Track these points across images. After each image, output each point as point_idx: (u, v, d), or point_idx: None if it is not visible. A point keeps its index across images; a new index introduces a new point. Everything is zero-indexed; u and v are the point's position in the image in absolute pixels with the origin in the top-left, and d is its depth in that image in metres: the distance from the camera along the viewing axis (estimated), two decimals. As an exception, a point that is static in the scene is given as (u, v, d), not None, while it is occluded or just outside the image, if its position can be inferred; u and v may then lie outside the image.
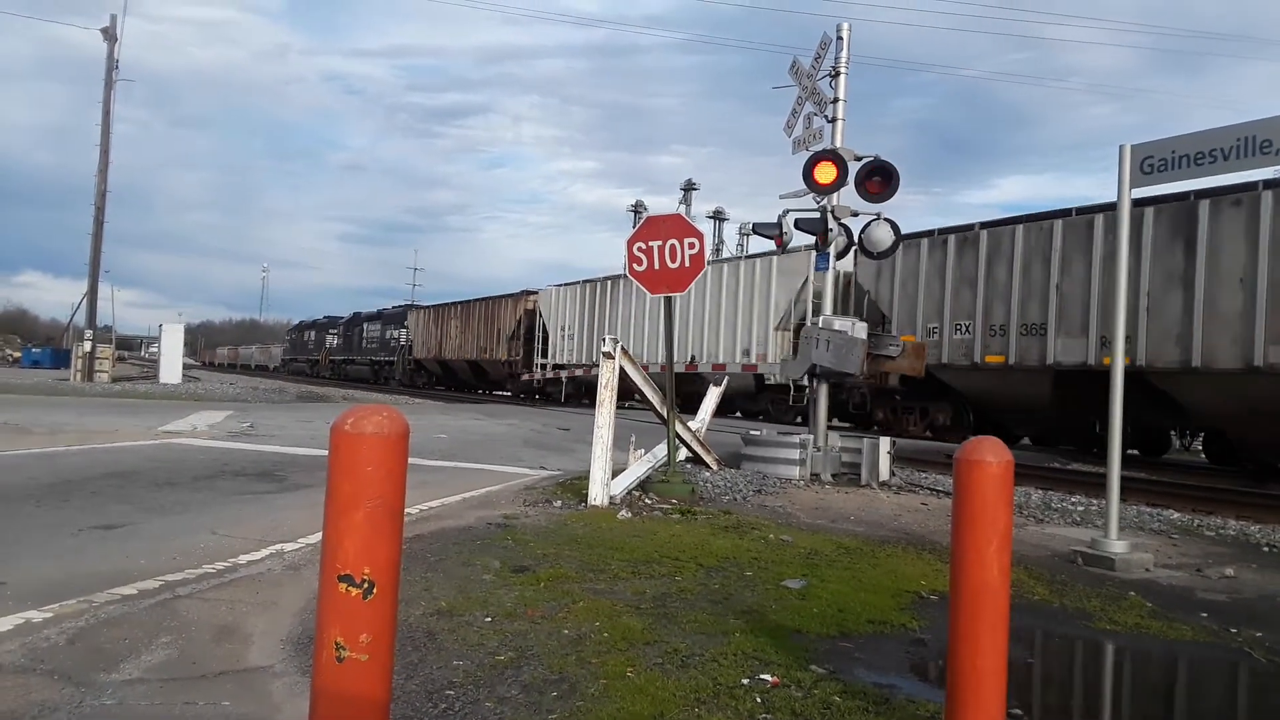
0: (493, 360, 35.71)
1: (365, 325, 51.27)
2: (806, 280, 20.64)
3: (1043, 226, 15.99)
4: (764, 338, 21.74)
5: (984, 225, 17.48)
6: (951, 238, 17.62)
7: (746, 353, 22.12)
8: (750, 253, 36.21)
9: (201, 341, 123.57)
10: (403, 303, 48.75)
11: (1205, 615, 5.34)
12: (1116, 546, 6.60)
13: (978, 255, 16.91)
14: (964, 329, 17.17)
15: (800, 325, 19.49)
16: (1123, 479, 7.00)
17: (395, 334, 46.01)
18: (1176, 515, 9.42)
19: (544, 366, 31.71)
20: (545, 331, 31.94)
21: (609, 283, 28.42)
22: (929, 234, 18.24)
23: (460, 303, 39.43)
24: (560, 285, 31.78)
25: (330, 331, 57.77)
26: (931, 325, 17.71)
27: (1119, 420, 6.79)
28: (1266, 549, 7.84)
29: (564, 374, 29.74)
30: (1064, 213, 16.29)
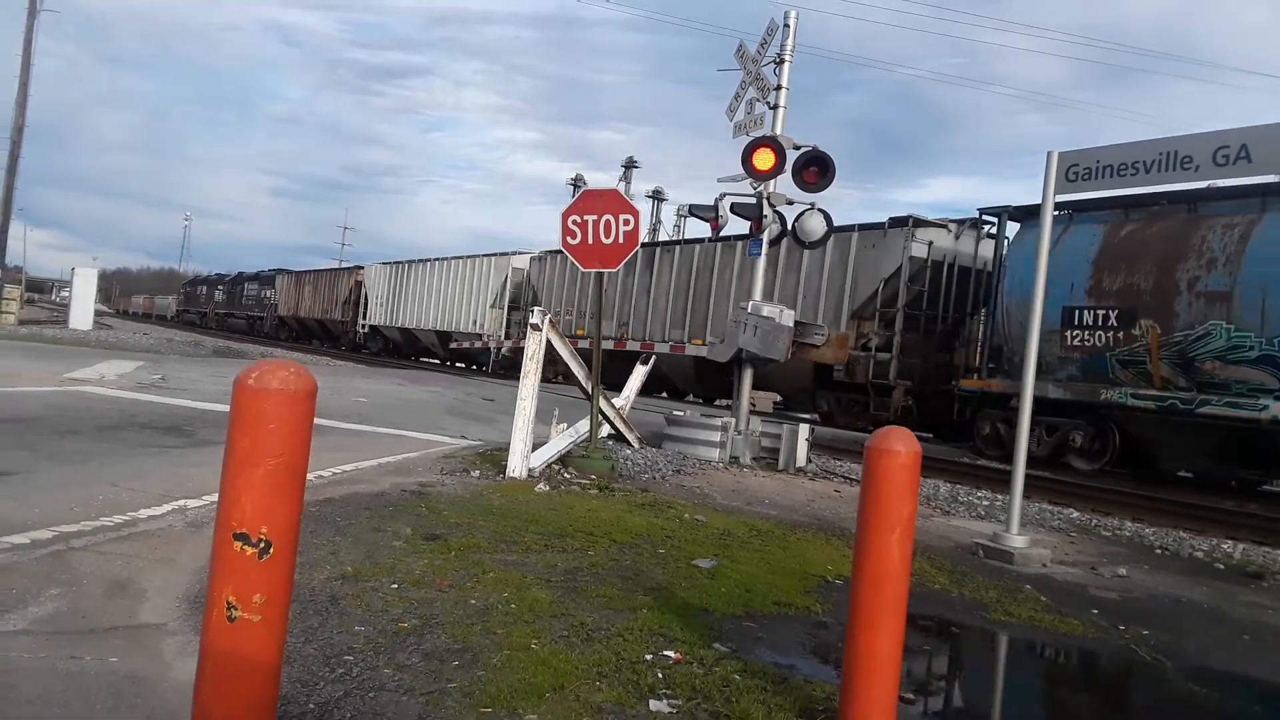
0: (333, 320, 43.85)
1: (246, 284, 57.68)
2: (507, 276, 30.37)
3: (710, 249, 23.86)
4: (484, 313, 31.12)
5: (667, 242, 27.98)
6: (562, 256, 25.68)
7: (474, 322, 31.76)
8: (662, 239, 46.37)
9: (117, 289, 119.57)
10: (275, 267, 55.25)
11: (1096, 612, 5.54)
12: (1016, 541, 6.81)
13: (656, 268, 25.00)
14: (570, 313, 26.92)
15: (510, 306, 29.97)
16: (1027, 477, 7.23)
17: (267, 293, 52.67)
18: (1076, 514, 9.75)
19: (363, 326, 40.20)
20: (367, 299, 39.91)
21: (409, 265, 36.97)
22: (559, 252, 26.29)
23: (312, 271, 48.43)
24: (379, 264, 39.97)
25: (218, 288, 64.50)
26: (558, 310, 26.85)
27: (1027, 420, 7.00)
28: (1159, 551, 8.16)
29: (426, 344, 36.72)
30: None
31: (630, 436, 11.10)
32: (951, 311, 18.15)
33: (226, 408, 2.16)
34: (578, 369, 9.73)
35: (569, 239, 9.06)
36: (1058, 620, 5.18)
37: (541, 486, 7.66)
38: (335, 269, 45.64)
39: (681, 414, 12.16)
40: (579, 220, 8.98)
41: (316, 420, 2.36)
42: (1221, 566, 7.66)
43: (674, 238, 47.55)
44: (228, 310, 60.16)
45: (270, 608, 2.16)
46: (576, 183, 64.26)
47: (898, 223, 18.08)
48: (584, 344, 22.02)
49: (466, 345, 31.63)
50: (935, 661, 4.46)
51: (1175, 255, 13.06)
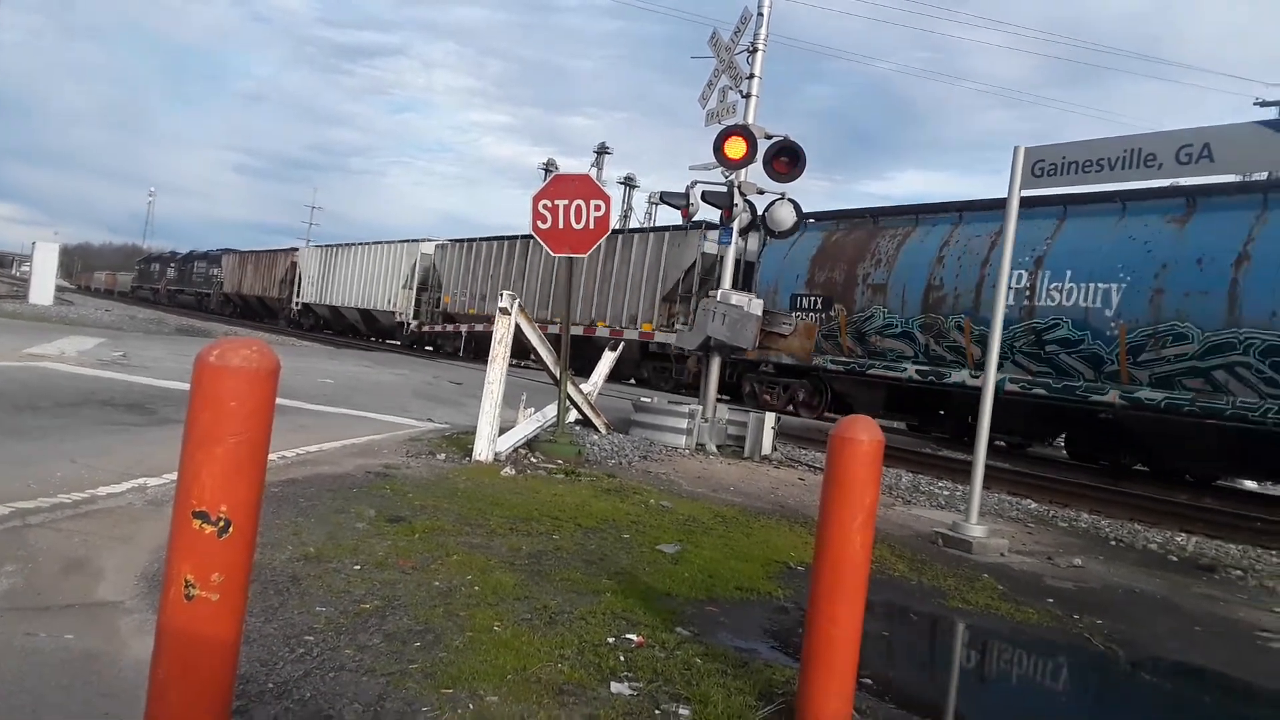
0: (271, 297, 47.16)
1: (195, 263, 61.30)
2: (416, 261, 34.39)
3: (500, 243, 30.31)
4: (397, 293, 35.21)
5: (484, 239, 31.49)
6: (463, 244, 32.39)
7: (389, 301, 35.82)
8: (637, 226, 49.76)
9: (79, 264, 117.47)
10: (220, 248, 58.79)
11: (1051, 601, 5.64)
12: (975, 531, 6.91)
13: (476, 257, 31.12)
14: (467, 294, 31.35)
15: (419, 288, 34.08)
16: (987, 468, 7.33)
17: (214, 271, 56.29)
18: (1034, 505, 9.91)
19: (297, 303, 43.72)
20: (301, 278, 43.39)
21: (337, 248, 41.11)
22: (459, 241, 32.77)
23: (254, 252, 51.44)
24: (312, 246, 45.46)
25: (170, 265, 67.84)
26: (456, 290, 32.11)
27: (988, 412, 7.08)
28: (1114, 542, 8.32)
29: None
30: (504, 237, 30.45)
31: (598, 422, 11.11)
32: None
33: (188, 386, 2.14)
34: (545, 354, 9.71)
35: (539, 223, 9.02)
36: (1014, 609, 5.27)
37: (508, 470, 7.66)
38: (274, 250, 49.16)
39: (649, 401, 12.18)
40: (550, 205, 8.94)
41: (281, 401, 2.34)
42: (1175, 559, 7.82)
43: (645, 225, 48.27)
44: (179, 287, 63.17)
45: (229, 586, 2.15)
46: (548, 167, 63.95)
47: (695, 226, 21.35)
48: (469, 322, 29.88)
49: (438, 329, 33.40)
50: (893, 647, 4.52)
51: (859, 256, 17.12)
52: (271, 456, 2.53)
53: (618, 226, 25.84)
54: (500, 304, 8.72)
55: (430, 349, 32.80)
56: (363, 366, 19.01)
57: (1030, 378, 13.81)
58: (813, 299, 17.77)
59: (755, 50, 11.50)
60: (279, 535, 4.64)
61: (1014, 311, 13.80)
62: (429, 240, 34.66)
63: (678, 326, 21.00)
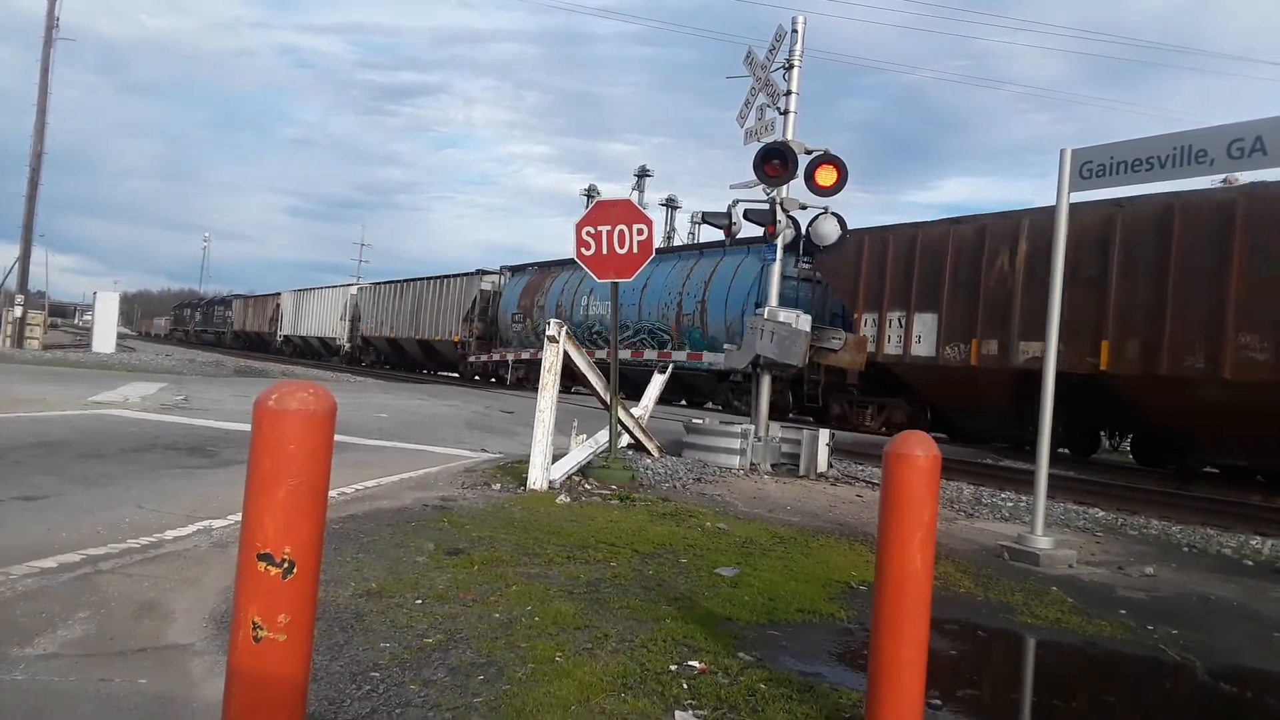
0: (265, 332, 57.46)
1: (215, 307, 74.67)
2: (347, 300, 45.63)
3: (391, 286, 41.23)
4: (337, 324, 46.19)
5: (385, 283, 42.61)
6: (375, 286, 43.74)
7: (333, 330, 46.71)
8: (678, 244, 53.32)
9: (139, 311, 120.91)
10: (228, 293, 73.88)
11: (1124, 612, 5.49)
12: (1042, 543, 6.76)
13: (380, 295, 42.04)
14: (375, 321, 42.02)
15: (350, 319, 45.13)
16: (1051, 477, 7.17)
17: (228, 314, 68.54)
18: (1102, 514, 9.67)
19: (280, 336, 53.82)
20: (283, 316, 53.93)
21: (302, 292, 52.77)
22: (374, 284, 44.53)
23: (253, 296, 64.14)
24: (290, 290, 54.58)
25: (197, 310, 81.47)
26: (369, 321, 42.75)
27: (1049, 420, 6.95)
28: (1187, 549, 8.08)
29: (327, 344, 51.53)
30: (395, 281, 41.21)
31: (650, 445, 11.09)
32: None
33: (249, 427, 2.18)
34: (595, 380, 9.74)
35: (583, 250, 9.07)
36: (1085, 622, 5.14)
37: (562, 498, 7.68)
38: (265, 295, 59.93)
39: (700, 422, 12.14)
40: (593, 231, 8.98)
41: (338, 437, 2.38)
42: (1250, 563, 7.58)
43: (685, 244, 49.09)
44: (203, 328, 75.41)
45: (295, 627, 2.18)
46: (590, 193, 64.42)
47: (477, 272, 34.07)
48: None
49: (483, 358, 38.65)
50: (961, 665, 4.43)
51: (537, 290, 29.98)
52: (331, 494, 2.57)
53: (509, 265, 33.71)
54: (548, 332, 8.76)
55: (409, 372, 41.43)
56: (416, 399, 19.22)
57: (602, 356, 21.41)
58: (519, 314, 30.62)
59: (791, 67, 11.48)
60: (341, 572, 4.69)
61: (588, 318, 26.91)
62: (354, 284, 47.16)
63: (473, 337, 33.79)
